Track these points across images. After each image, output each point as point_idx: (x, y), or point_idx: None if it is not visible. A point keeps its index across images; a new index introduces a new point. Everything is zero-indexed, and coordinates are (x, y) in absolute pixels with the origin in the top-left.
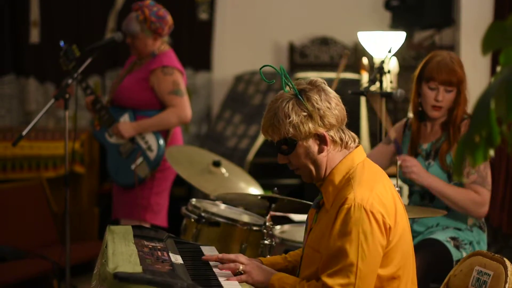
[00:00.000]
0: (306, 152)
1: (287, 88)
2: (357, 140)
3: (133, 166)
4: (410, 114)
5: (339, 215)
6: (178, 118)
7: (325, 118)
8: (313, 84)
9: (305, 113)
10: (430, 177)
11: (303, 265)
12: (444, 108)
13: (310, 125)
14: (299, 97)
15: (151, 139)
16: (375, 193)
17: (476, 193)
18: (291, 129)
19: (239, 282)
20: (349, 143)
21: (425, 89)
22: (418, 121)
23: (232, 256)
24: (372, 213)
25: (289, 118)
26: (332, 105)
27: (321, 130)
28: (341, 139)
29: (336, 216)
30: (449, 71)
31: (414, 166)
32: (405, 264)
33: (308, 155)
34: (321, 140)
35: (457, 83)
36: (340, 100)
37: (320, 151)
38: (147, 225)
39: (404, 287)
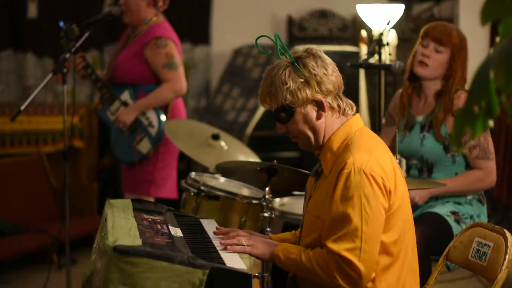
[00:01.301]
0: (304, 119)
1: (283, 56)
2: (354, 108)
3: (134, 143)
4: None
5: (339, 180)
6: (174, 93)
7: (322, 84)
8: (308, 52)
9: (302, 80)
10: (431, 191)
11: (303, 232)
12: (430, 68)
13: (308, 91)
14: (296, 64)
15: (152, 115)
16: (374, 157)
17: (480, 169)
18: (288, 96)
19: (244, 253)
20: (346, 110)
21: (418, 46)
22: (408, 81)
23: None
24: (372, 176)
25: (286, 85)
26: (328, 71)
27: (319, 96)
28: (338, 106)
29: (336, 182)
30: (444, 31)
31: (420, 198)
32: (406, 230)
33: (306, 121)
34: (319, 106)
35: (449, 45)
36: (336, 67)
37: (318, 117)
38: (152, 199)
39: (405, 252)
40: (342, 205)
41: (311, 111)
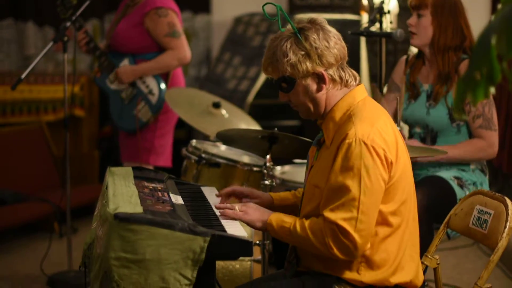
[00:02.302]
0: (305, 91)
1: (285, 28)
2: (358, 78)
3: (134, 111)
4: (410, 52)
5: (340, 150)
6: (178, 60)
7: (323, 57)
8: (312, 23)
9: (302, 52)
10: (434, 153)
11: (304, 201)
12: (419, 35)
13: (308, 64)
14: (298, 35)
15: (152, 83)
16: (376, 128)
17: (482, 138)
18: (289, 68)
19: (235, 218)
20: (349, 81)
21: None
22: (415, 58)
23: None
24: (373, 147)
25: (287, 57)
26: (330, 44)
27: (320, 69)
28: (340, 78)
29: (337, 152)
30: None
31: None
32: (407, 201)
33: (307, 93)
34: (320, 79)
35: (427, 6)
36: (340, 38)
37: (319, 89)
38: (151, 167)
39: (406, 223)
40: (342, 175)
41: (312, 83)
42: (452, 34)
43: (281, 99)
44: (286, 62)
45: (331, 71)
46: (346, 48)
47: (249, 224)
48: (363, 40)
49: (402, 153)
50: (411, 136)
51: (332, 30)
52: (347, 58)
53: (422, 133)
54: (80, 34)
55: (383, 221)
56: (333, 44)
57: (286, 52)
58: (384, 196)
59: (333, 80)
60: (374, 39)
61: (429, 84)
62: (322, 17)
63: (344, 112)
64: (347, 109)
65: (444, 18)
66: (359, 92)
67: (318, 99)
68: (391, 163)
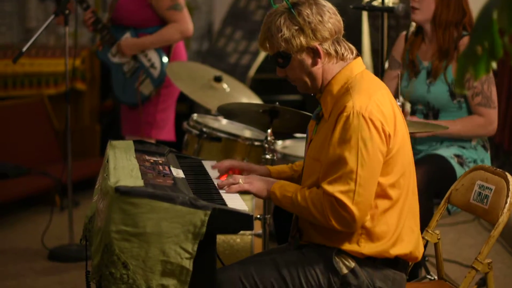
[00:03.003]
0: (301, 65)
1: (280, 4)
2: (355, 52)
3: (136, 84)
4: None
5: (338, 123)
6: (181, 33)
7: (317, 32)
8: None
9: (296, 27)
10: (435, 129)
11: (304, 175)
12: (422, 10)
13: (302, 38)
14: (292, 11)
15: (154, 56)
16: (374, 100)
17: (481, 115)
18: (283, 43)
19: (241, 190)
20: (345, 54)
21: None
22: (414, 35)
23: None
24: (371, 120)
25: (280, 32)
26: (324, 18)
27: (314, 43)
28: (336, 52)
29: (335, 124)
30: None
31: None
32: (405, 173)
33: (303, 68)
34: (315, 53)
35: None
36: (335, 12)
37: (314, 64)
38: (153, 141)
39: (405, 195)
40: (339, 147)
41: (307, 57)
42: (454, 9)
43: (278, 75)
44: (280, 37)
45: (326, 45)
46: (341, 22)
47: (256, 194)
48: (365, 15)
49: (400, 126)
50: (413, 112)
51: (327, 4)
52: (343, 31)
53: (424, 110)
54: (87, 14)
55: (382, 193)
56: (327, 18)
57: (280, 28)
58: (383, 169)
59: (328, 54)
60: (376, 13)
61: (429, 61)
62: None
63: (341, 85)
64: (344, 82)
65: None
66: (357, 65)
67: (314, 73)
68: (389, 135)
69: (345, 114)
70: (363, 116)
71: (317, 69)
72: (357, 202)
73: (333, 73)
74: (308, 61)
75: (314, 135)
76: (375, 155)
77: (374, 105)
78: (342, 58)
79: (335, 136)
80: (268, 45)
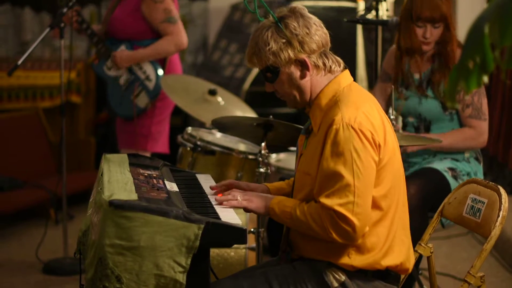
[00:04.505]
0: (289, 79)
1: (266, 18)
2: (342, 64)
3: (132, 97)
4: None
5: (328, 137)
6: (175, 46)
7: (305, 44)
8: (292, 11)
9: (284, 40)
10: (427, 142)
11: (295, 189)
12: (432, 42)
13: (290, 51)
14: (279, 24)
15: (149, 69)
16: (362, 111)
17: (472, 127)
18: (271, 57)
19: (240, 207)
20: (333, 67)
21: (413, 27)
22: (407, 55)
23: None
24: (361, 130)
25: (268, 46)
26: (311, 31)
27: (302, 56)
28: (324, 64)
29: (325, 138)
30: (433, 6)
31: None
32: (395, 185)
33: (291, 81)
34: (303, 66)
35: (442, 18)
36: (321, 25)
37: (303, 76)
38: (148, 154)
39: (396, 206)
40: (333, 161)
41: (295, 70)
42: (455, 42)
43: (267, 90)
44: (268, 50)
45: (313, 58)
46: (328, 35)
47: (255, 211)
48: (359, 28)
49: (390, 137)
50: (404, 125)
51: (313, 17)
52: (329, 44)
53: (415, 122)
54: (71, 12)
55: (373, 204)
56: (314, 30)
57: (268, 41)
58: (374, 180)
59: (316, 66)
60: (371, 26)
61: (423, 73)
62: (317, 5)
63: (330, 98)
64: (332, 95)
65: (451, 29)
66: (344, 78)
67: (303, 86)
68: (379, 145)
69: (334, 127)
70: (352, 127)
71: (306, 82)
72: (356, 213)
73: (321, 86)
74: (297, 73)
75: (304, 149)
76: (368, 164)
77: (363, 116)
78: (330, 71)
79: (327, 149)
80: (256, 60)
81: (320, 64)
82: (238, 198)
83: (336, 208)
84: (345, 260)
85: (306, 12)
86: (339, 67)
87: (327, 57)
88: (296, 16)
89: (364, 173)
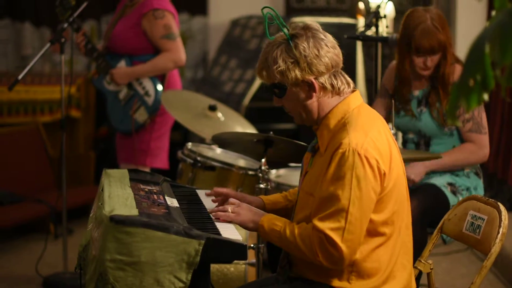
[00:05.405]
0: (296, 97)
1: (279, 33)
2: (352, 85)
3: (130, 112)
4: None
5: (333, 159)
6: (173, 62)
7: (313, 66)
8: (305, 29)
9: (292, 60)
10: (427, 165)
11: (297, 208)
12: (432, 67)
13: (297, 72)
14: (290, 42)
15: (148, 84)
16: (370, 138)
17: (472, 142)
18: (278, 75)
19: (227, 220)
20: (341, 88)
21: (413, 56)
22: (404, 82)
23: (224, 190)
24: (366, 158)
25: (276, 64)
26: (321, 53)
27: (309, 77)
28: (332, 86)
29: (331, 161)
30: (431, 38)
31: (415, 176)
32: (399, 210)
33: (298, 100)
34: (310, 87)
35: (441, 48)
36: (335, 45)
37: (309, 97)
38: (147, 169)
39: (398, 232)
40: (333, 184)
41: (302, 91)
42: (450, 64)
43: (275, 104)
44: (275, 69)
45: (322, 79)
46: (341, 55)
47: (241, 225)
48: (359, 44)
49: (395, 163)
50: (404, 141)
51: (326, 37)
52: (341, 65)
53: (415, 139)
54: (78, 37)
55: (374, 230)
56: (324, 52)
57: (276, 59)
58: (376, 206)
59: (324, 88)
60: (370, 43)
61: (419, 91)
62: (317, 21)
63: (338, 119)
64: (341, 116)
65: (449, 56)
66: (354, 99)
67: (309, 106)
68: (384, 173)
69: (340, 150)
70: (358, 153)
71: (312, 103)
72: (346, 239)
73: (329, 107)
74: (303, 94)
75: (309, 167)
76: (367, 193)
77: (371, 142)
78: (338, 93)
79: (329, 172)
80: (265, 75)
81: (328, 85)
82: (229, 209)
83: (327, 232)
84: (345, 284)
85: (319, 32)
86: (349, 88)
87: (336, 78)
88: (307, 37)
89: (361, 201)
